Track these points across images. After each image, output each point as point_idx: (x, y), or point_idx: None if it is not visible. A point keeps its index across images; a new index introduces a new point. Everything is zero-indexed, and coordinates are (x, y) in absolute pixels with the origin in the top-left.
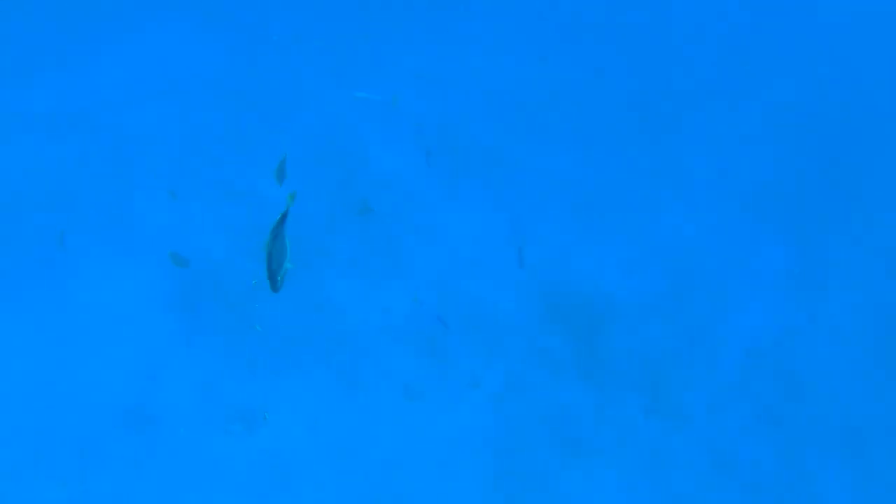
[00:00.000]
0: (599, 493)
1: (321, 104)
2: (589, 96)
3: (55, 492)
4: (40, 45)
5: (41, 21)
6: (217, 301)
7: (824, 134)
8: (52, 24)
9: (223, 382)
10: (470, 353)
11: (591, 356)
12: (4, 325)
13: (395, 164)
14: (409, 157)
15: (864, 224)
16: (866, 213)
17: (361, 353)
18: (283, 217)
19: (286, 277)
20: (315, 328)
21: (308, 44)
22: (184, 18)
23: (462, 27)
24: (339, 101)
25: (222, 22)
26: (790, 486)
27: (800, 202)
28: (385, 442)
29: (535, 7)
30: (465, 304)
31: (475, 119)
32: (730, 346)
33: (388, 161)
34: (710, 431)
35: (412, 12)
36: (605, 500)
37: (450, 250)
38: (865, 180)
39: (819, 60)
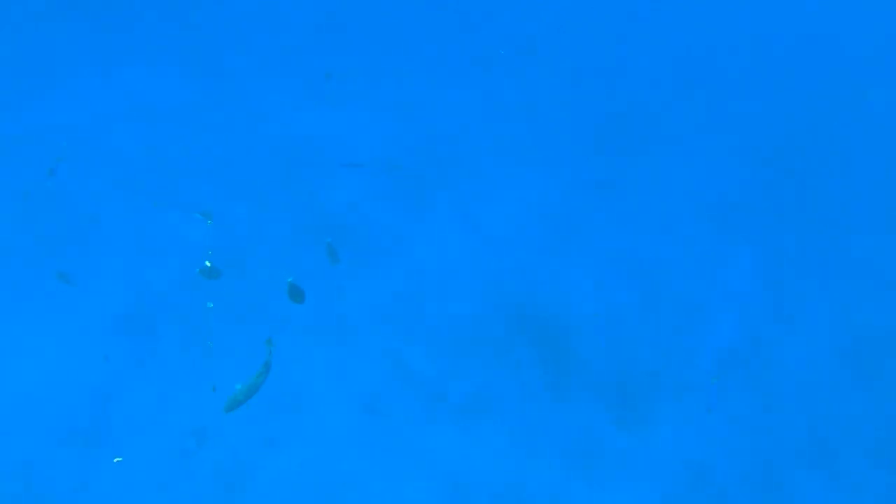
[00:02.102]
0: None
1: (286, 126)
2: (558, 111)
3: None
4: (19, 73)
5: (20, 51)
6: (173, 321)
7: (794, 144)
8: (34, 53)
9: (174, 400)
10: (435, 366)
11: (561, 369)
12: None
13: (361, 182)
14: (376, 175)
15: (834, 233)
16: (836, 223)
17: (323, 366)
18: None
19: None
20: (276, 341)
21: (273, 68)
22: (154, 50)
23: (428, 44)
24: (304, 122)
25: (189, 50)
26: (761, 494)
27: (769, 213)
28: (345, 456)
29: (503, 25)
30: (431, 317)
31: (443, 136)
32: (701, 356)
33: (354, 179)
34: (681, 442)
35: (377, 31)
36: None
37: (417, 265)
38: (835, 190)
39: (785, 73)
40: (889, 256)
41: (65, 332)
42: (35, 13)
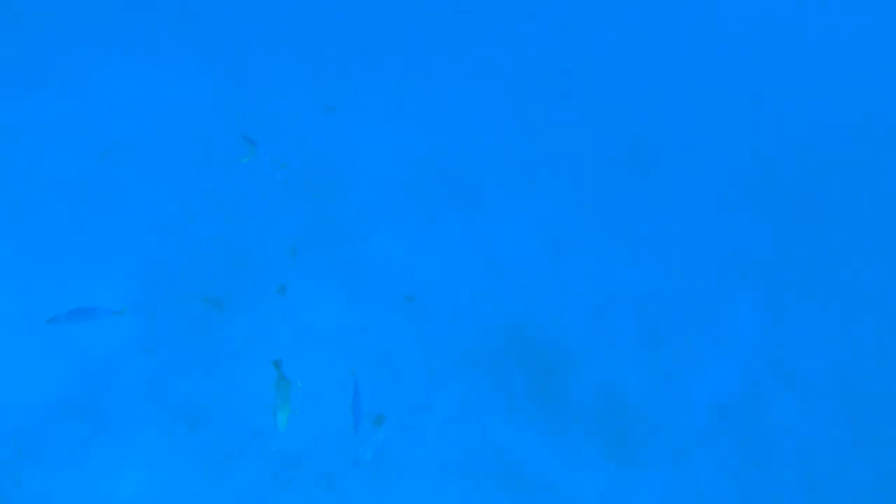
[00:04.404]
0: None
1: (303, 131)
2: (569, 142)
3: None
4: (49, 62)
5: (51, 40)
6: (176, 308)
7: (800, 197)
8: (62, 43)
9: (172, 385)
10: (425, 378)
11: (550, 394)
12: None
13: (372, 192)
14: (387, 186)
15: (837, 290)
16: (839, 279)
17: (314, 365)
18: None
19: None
20: (274, 340)
21: (294, 72)
22: (174, 45)
23: (447, 63)
24: (322, 128)
25: (211, 49)
26: None
27: (777, 267)
28: (326, 451)
29: (519, 50)
30: (425, 329)
31: (455, 155)
32: (697, 400)
33: (366, 188)
34: (669, 481)
35: (399, 45)
36: None
37: (416, 277)
38: (839, 246)
39: (794, 122)
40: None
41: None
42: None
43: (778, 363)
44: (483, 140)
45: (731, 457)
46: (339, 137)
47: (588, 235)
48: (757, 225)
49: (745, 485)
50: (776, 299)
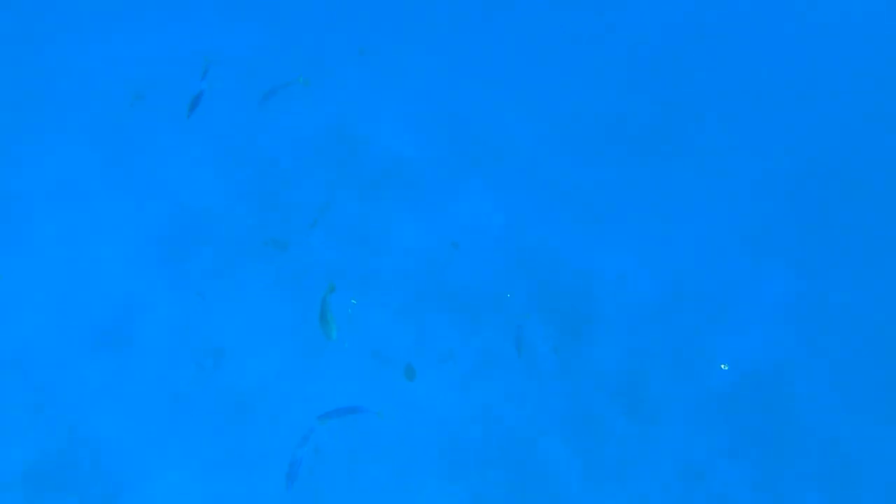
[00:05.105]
0: (562, 484)
1: (335, 82)
2: (601, 109)
3: (21, 397)
4: (84, 7)
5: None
6: (209, 247)
7: (835, 170)
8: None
9: (201, 320)
10: (447, 327)
11: (573, 351)
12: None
13: (401, 147)
14: (417, 142)
15: (871, 259)
16: (872, 248)
17: (337, 312)
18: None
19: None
20: (297, 286)
21: (327, 15)
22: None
23: (484, 23)
24: (356, 72)
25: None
26: None
27: (809, 237)
28: (347, 394)
29: (557, 16)
30: (450, 281)
31: (487, 112)
32: (719, 366)
33: (395, 143)
34: (687, 443)
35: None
36: (567, 491)
37: (443, 229)
38: (874, 215)
39: (827, 98)
40: None
41: (108, 246)
42: None
43: (807, 332)
44: (514, 102)
45: (754, 423)
46: (372, 84)
47: (614, 197)
48: (790, 191)
49: (764, 450)
50: (808, 267)
